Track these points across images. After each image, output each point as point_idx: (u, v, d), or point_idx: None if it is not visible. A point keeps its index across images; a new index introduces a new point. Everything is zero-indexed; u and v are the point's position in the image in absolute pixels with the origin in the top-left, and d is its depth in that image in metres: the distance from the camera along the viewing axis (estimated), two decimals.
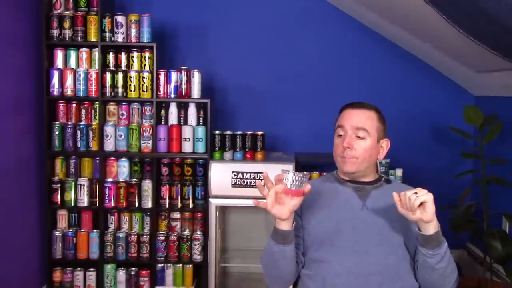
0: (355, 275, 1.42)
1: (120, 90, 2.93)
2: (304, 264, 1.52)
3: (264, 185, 1.37)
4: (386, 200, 1.49)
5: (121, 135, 2.95)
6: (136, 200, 2.98)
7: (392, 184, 1.61)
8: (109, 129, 2.95)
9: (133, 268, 2.98)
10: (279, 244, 1.40)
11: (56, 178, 2.96)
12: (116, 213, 3.02)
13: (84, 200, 2.96)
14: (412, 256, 1.46)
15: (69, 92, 2.92)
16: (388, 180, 1.62)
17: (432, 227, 1.33)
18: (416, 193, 1.30)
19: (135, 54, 2.94)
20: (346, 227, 1.48)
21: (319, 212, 1.52)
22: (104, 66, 2.95)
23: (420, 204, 1.29)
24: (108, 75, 2.92)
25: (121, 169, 3.00)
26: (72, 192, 2.96)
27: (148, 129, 2.94)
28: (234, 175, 2.87)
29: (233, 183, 2.87)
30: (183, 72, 2.93)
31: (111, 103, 2.99)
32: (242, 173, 2.86)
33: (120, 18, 2.91)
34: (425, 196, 1.29)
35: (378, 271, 1.42)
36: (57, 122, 2.94)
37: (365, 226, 1.47)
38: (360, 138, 1.52)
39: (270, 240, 1.43)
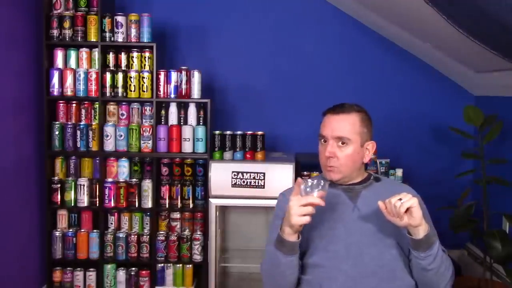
0: (352, 278, 1.42)
1: (120, 90, 2.93)
2: (302, 269, 1.51)
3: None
4: (376, 199, 1.46)
5: (121, 135, 2.95)
6: (136, 200, 2.98)
7: (382, 182, 1.60)
8: (109, 129, 2.94)
9: (133, 268, 2.98)
10: (288, 256, 1.39)
11: (56, 178, 2.96)
12: (116, 213, 3.02)
13: (84, 200, 2.96)
14: (406, 255, 1.46)
15: (69, 92, 2.92)
16: (377, 178, 1.61)
17: (421, 231, 1.33)
18: (400, 199, 1.30)
19: (135, 54, 2.94)
20: (339, 230, 1.48)
21: (311, 217, 1.51)
22: (104, 66, 2.95)
23: (406, 210, 1.29)
24: (108, 75, 2.92)
25: (121, 169, 3.00)
26: (72, 192, 2.96)
27: (148, 129, 2.94)
28: (234, 175, 2.87)
29: (233, 183, 2.87)
30: (183, 72, 2.93)
31: (111, 103, 2.99)
32: (242, 173, 2.86)
33: (120, 18, 2.91)
34: (410, 201, 1.29)
35: (374, 272, 1.42)
36: (57, 122, 2.94)
37: (358, 228, 1.47)
38: (342, 145, 1.51)
39: (276, 252, 1.40)
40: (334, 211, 1.51)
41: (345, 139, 1.51)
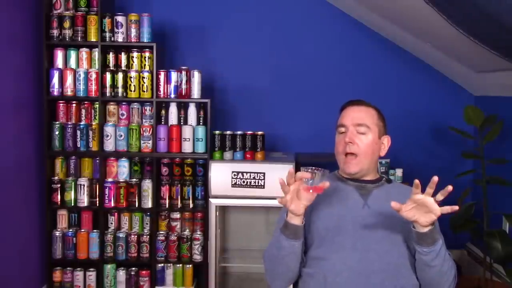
0: (357, 273, 1.43)
1: (120, 90, 2.93)
2: (305, 262, 1.52)
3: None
4: (387, 198, 1.50)
5: (121, 135, 2.95)
6: (136, 200, 2.98)
7: (393, 184, 1.63)
8: (109, 129, 2.94)
9: (133, 268, 2.99)
10: (290, 239, 1.41)
11: (56, 178, 2.96)
12: (116, 213, 3.02)
13: (84, 200, 2.96)
14: (412, 254, 1.47)
15: (69, 92, 2.92)
16: (389, 180, 1.63)
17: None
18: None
19: (135, 54, 2.94)
20: (347, 225, 1.49)
21: (320, 209, 1.53)
22: (104, 66, 2.95)
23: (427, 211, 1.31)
24: (108, 75, 2.92)
25: (121, 169, 3.00)
26: (72, 192, 2.96)
27: (148, 129, 2.94)
28: (234, 175, 2.87)
29: (233, 183, 2.87)
30: (183, 72, 2.93)
31: (111, 103, 2.99)
32: (242, 173, 2.86)
33: (120, 18, 2.91)
34: (438, 212, 1.31)
35: (380, 269, 1.43)
36: (57, 122, 2.94)
37: (366, 224, 1.48)
38: (362, 134, 1.54)
39: (279, 235, 1.43)
40: (345, 206, 1.52)
41: (364, 127, 1.54)
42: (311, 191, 1.36)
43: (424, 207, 1.31)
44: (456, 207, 1.29)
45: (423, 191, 1.33)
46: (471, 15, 2.06)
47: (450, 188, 1.28)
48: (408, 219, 1.34)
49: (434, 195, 1.33)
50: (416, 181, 1.32)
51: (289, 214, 1.40)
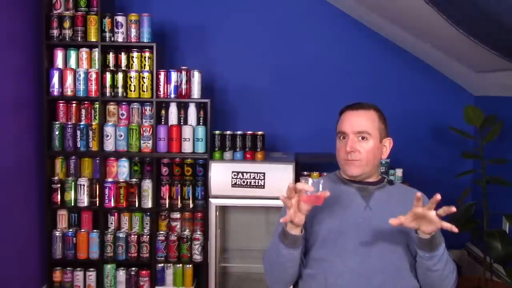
0: (358, 274, 1.42)
1: (120, 90, 2.93)
2: (305, 263, 1.52)
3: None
4: (389, 200, 1.51)
5: (121, 135, 2.95)
6: (136, 200, 2.98)
7: (394, 185, 1.62)
8: (109, 129, 2.95)
9: (133, 268, 2.99)
10: (289, 248, 1.40)
11: (56, 178, 2.96)
12: (116, 213, 3.02)
13: (84, 200, 2.96)
14: (413, 256, 1.47)
15: (69, 92, 2.92)
16: (390, 182, 1.62)
17: None
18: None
19: (135, 54, 2.94)
20: (349, 226, 1.48)
21: (322, 211, 1.52)
22: (104, 66, 2.95)
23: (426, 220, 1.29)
24: (108, 75, 2.92)
25: (121, 169, 3.00)
26: (72, 192, 2.96)
27: (148, 129, 2.94)
28: (234, 175, 2.87)
29: (233, 183, 2.87)
30: (183, 72, 2.93)
31: (111, 103, 2.99)
32: (242, 173, 2.86)
33: (120, 18, 2.91)
34: (439, 225, 1.29)
35: (380, 271, 1.43)
36: (57, 122, 2.94)
37: (368, 226, 1.48)
38: (363, 140, 1.52)
39: (278, 244, 1.42)
40: (346, 208, 1.52)
41: (365, 134, 1.51)
42: (310, 202, 1.34)
43: (425, 218, 1.30)
44: (456, 229, 1.28)
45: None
46: (471, 15, 2.06)
47: (453, 209, 1.28)
48: (411, 228, 1.34)
49: (432, 195, 1.32)
50: (418, 194, 1.31)
51: (289, 225, 1.38)
